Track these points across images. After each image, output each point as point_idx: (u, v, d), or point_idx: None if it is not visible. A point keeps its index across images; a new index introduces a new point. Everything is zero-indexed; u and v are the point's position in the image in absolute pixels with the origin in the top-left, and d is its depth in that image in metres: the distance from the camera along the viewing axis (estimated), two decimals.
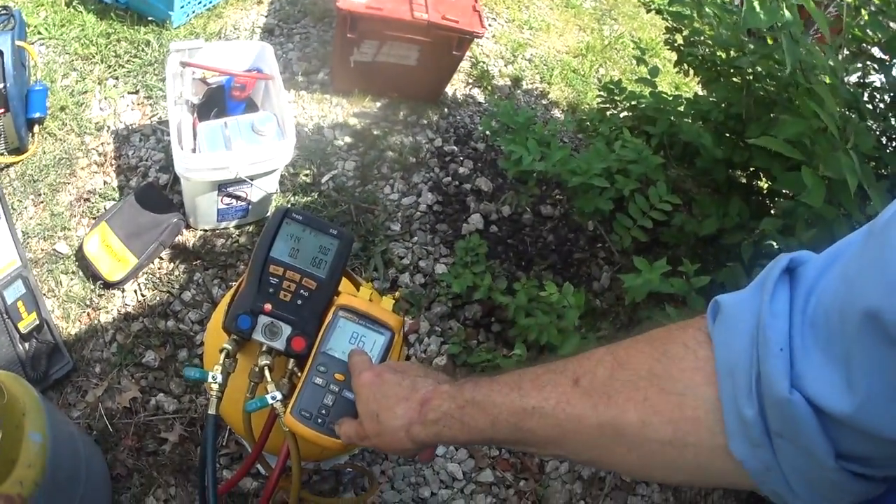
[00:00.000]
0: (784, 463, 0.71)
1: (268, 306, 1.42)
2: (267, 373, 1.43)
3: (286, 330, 1.43)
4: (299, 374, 1.39)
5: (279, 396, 1.39)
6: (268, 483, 1.49)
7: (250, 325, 1.42)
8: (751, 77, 2.48)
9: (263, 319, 1.43)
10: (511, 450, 0.89)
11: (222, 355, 1.44)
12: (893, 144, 2.35)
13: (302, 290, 1.44)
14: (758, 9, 1.72)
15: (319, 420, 1.32)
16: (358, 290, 1.51)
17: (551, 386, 0.89)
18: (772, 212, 2.47)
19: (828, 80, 1.88)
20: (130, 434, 2.27)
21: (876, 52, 2.32)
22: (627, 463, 0.85)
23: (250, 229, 2.80)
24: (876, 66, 2.34)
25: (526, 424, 0.91)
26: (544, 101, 3.80)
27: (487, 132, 3.17)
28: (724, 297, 0.80)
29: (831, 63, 1.93)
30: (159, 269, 2.64)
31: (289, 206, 2.15)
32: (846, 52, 2.27)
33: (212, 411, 1.41)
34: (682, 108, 2.81)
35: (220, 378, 1.41)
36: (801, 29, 1.90)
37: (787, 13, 1.83)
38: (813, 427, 0.66)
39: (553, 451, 0.92)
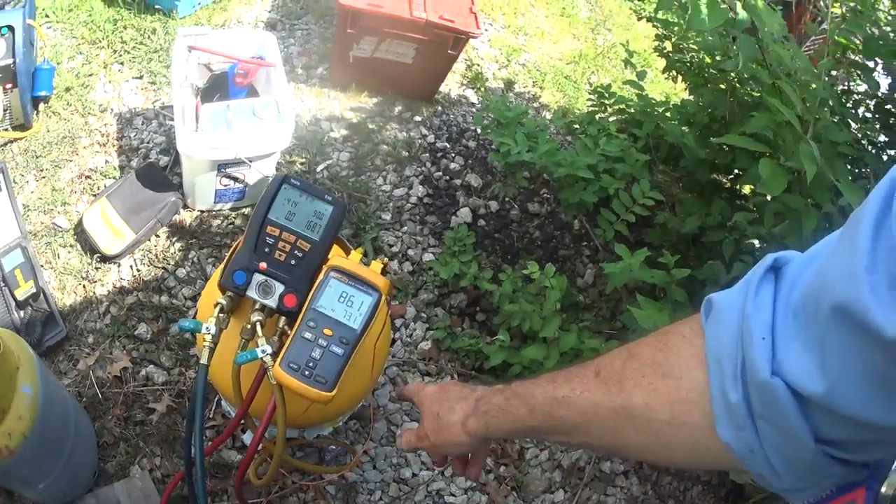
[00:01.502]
0: (766, 444, 0.76)
1: (263, 265, 1.50)
2: (258, 328, 1.50)
3: (279, 288, 1.51)
4: (289, 332, 1.46)
5: (269, 350, 1.46)
6: (252, 441, 1.55)
7: (245, 280, 1.50)
8: (735, 80, 2.56)
9: (258, 277, 1.51)
10: (549, 441, 0.96)
11: (216, 309, 1.51)
12: (878, 146, 2.43)
13: (296, 251, 1.52)
14: (704, 12, 1.78)
15: (307, 372, 1.40)
16: (348, 255, 1.58)
17: (578, 378, 0.99)
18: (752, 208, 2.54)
19: (790, 77, 1.95)
20: (119, 403, 2.32)
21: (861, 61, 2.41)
22: (638, 445, 0.93)
23: (246, 212, 2.87)
24: (859, 71, 2.43)
25: (557, 412, 1.01)
26: (536, 105, 3.88)
27: (479, 128, 3.25)
28: (716, 295, 0.86)
29: (798, 62, 2.00)
30: (155, 246, 2.70)
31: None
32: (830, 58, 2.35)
33: (204, 361, 1.48)
34: (668, 113, 2.89)
35: (213, 329, 1.49)
36: (773, 30, 1.97)
37: (742, 13, 1.90)
38: (792, 409, 0.72)
39: (580, 437, 1.00)
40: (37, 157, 2.82)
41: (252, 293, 1.51)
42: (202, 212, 2.84)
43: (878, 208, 0.64)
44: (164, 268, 2.66)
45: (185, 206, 2.81)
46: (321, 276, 1.47)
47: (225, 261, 1.63)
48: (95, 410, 2.30)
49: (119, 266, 2.63)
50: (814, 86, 1.98)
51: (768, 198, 2.24)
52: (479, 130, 3.41)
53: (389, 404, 2.57)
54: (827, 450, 0.73)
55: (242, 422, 1.63)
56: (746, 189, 2.87)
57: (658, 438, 0.89)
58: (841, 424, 0.70)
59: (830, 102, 2.17)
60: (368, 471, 2.43)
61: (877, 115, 2.48)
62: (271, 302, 1.51)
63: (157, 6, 3.46)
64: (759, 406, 0.76)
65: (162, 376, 2.41)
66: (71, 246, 2.63)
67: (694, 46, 2.89)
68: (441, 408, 1.20)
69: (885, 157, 2.35)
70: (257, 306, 1.53)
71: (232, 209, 2.86)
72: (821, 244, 0.78)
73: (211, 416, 2.37)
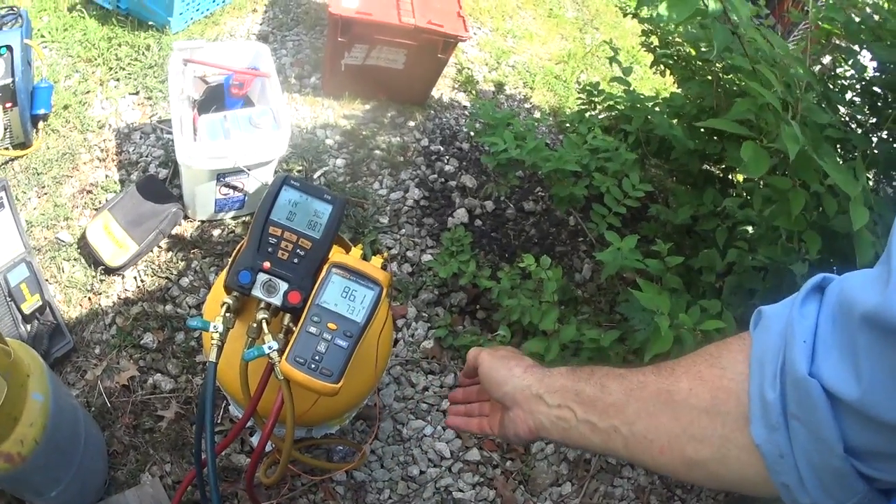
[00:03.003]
0: (797, 447, 0.78)
1: (267, 264, 1.54)
2: (265, 325, 1.54)
3: (283, 286, 1.55)
4: (294, 328, 1.50)
5: (275, 346, 1.51)
6: (261, 437, 1.59)
7: (250, 279, 1.54)
8: (719, 70, 2.59)
9: (262, 277, 1.55)
10: (571, 435, 0.97)
11: (223, 309, 1.56)
12: (866, 129, 2.46)
13: (298, 250, 1.56)
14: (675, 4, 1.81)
15: (313, 366, 1.44)
16: (348, 252, 1.63)
17: (642, 369, 1.03)
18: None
19: (768, 61, 1.98)
20: (128, 412, 2.35)
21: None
22: (666, 432, 0.94)
23: (246, 220, 2.90)
24: (844, 55, 2.46)
25: (608, 382, 1.04)
26: (527, 105, 3.92)
27: (471, 132, 3.29)
28: (765, 307, 0.89)
29: (776, 46, 2.04)
30: (158, 256, 2.74)
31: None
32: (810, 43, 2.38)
33: (212, 359, 1.53)
34: (657, 107, 2.93)
35: (220, 328, 1.53)
36: (746, 14, 2.00)
37: (711, 2, 1.93)
38: (825, 409, 0.73)
39: (614, 418, 1.01)
40: (38, 174, 2.85)
41: (257, 292, 1.55)
42: (203, 222, 2.87)
43: None
44: (167, 278, 2.69)
45: (186, 217, 2.85)
46: (323, 273, 1.51)
47: (229, 262, 1.67)
48: (104, 420, 2.33)
49: (123, 277, 2.66)
50: (793, 70, 2.01)
51: (761, 185, 2.28)
52: (471, 134, 3.44)
53: (395, 403, 2.60)
54: (853, 462, 0.74)
55: (251, 423, 1.66)
56: (738, 178, 2.91)
57: (690, 427, 0.91)
58: (871, 431, 0.72)
59: (815, 86, 2.20)
60: (376, 470, 2.46)
61: (864, 98, 2.51)
62: (276, 300, 1.55)
63: (150, 22, 3.50)
64: (793, 405, 0.78)
65: (169, 384, 2.44)
66: (75, 259, 2.66)
67: (679, 40, 2.93)
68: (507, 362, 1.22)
69: (874, 140, 2.38)
70: (262, 305, 1.57)
71: (233, 218, 2.90)
72: (862, 271, 0.79)
73: (219, 421, 2.39)
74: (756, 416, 0.83)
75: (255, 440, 2.32)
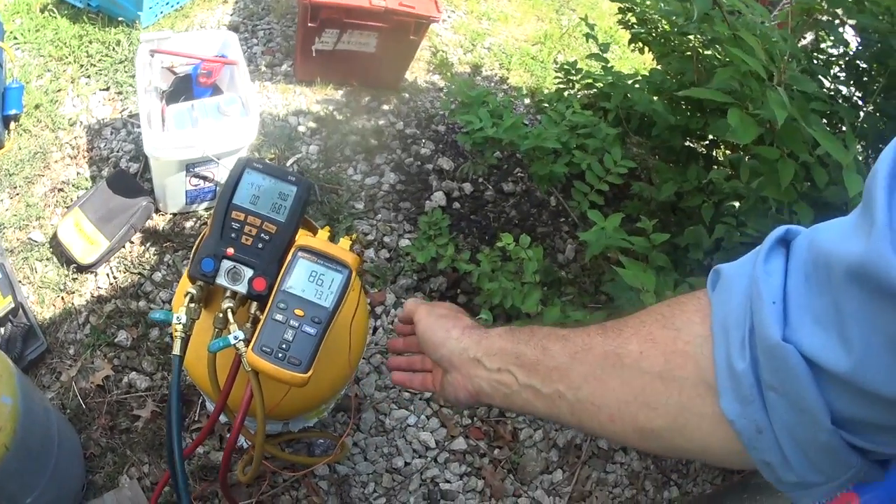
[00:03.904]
0: (776, 421, 0.70)
1: (230, 250, 1.48)
2: (230, 315, 1.49)
3: (248, 273, 1.49)
4: (261, 316, 1.44)
5: (241, 336, 1.44)
6: (232, 432, 1.53)
7: (213, 267, 1.48)
8: (699, 45, 2.55)
9: (226, 264, 1.49)
10: (516, 401, 0.91)
11: (186, 299, 1.50)
12: (852, 103, 2.42)
13: (262, 234, 1.50)
14: None
15: (280, 355, 1.38)
16: (315, 234, 1.57)
17: (587, 329, 0.95)
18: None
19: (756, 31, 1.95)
20: (103, 413, 2.31)
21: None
22: (616, 400, 0.86)
23: None
24: (826, 30, 2.43)
25: (550, 344, 0.97)
26: (504, 87, 3.88)
27: (446, 112, 3.24)
28: (723, 265, 0.82)
29: (760, 18, 2.00)
30: (130, 252, 2.70)
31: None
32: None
33: (176, 352, 1.47)
34: (637, 84, 2.88)
35: (184, 318, 1.47)
36: None
37: None
38: (806, 377, 0.66)
39: (558, 383, 0.93)
40: (10, 175, 2.82)
41: (221, 280, 1.49)
42: (175, 214, 2.83)
43: (890, 166, 0.60)
44: (140, 273, 2.65)
45: (158, 211, 2.81)
46: (289, 257, 1.45)
47: (193, 250, 1.62)
48: (80, 422, 2.29)
49: (96, 275, 2.63)
50: (776, 39, 1.97)
51: (747, 159, 2.24)
52: (446, 115, 3.40)
53: (376, 393, 2.55)
54: (843, 434, 0.66)
55: (225, 418, 1.62)
56: (723, 153, 2.87)
57: (642, 393, 0.84)
58: (864, 404, 0.64)
59: (798, 57, 2.16)
60: (360, 463, 2.42)
61: (849, 73, 2.47)
62: (241, 287, 1.49)
63: (120, 18, 3.46)
64: (768, 374, 0.70)
65: (144, 382, 2.40)
66: (48, 259, 2.62)
67: (656, 16, 2.89)
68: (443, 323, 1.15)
69: (861, 113, 2.34)
70: (228, 293, 1.51)
71: (205, 210, 2.86)
72: (835, 220, 0.71)
73: (197, 418, 2.36)
74: (725, 389, 0.74)
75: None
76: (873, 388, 0.61)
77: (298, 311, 1.41)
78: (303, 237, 1.51)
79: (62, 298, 2.55)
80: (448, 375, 1.11)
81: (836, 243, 0.66)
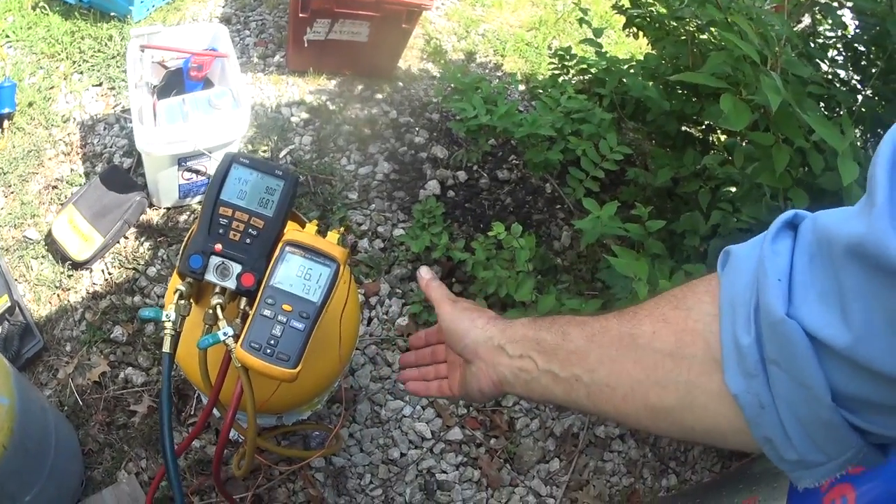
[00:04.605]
0: (778, 397, 0.71)
1: (218, 246, 1.48)
2: (219, 311, 1.49)
3: (236, 269, 1.49)
4: (250, 312, 1.43)
5: (230, 332, 1.44)
6: (223, 428, 1.54)
7: (202, 264, 1.48)
8: (694, 29, 2.54)
9: (215, 260, 1.48)
10: (535, 391, 0.92)
11: (176, 296, 1.50)
12: (850, 87, 2.41)
13: (250, 230, 1.50)
14: None
15: (268, 350, 1.38)
16: (304, 228, 1.57)
17: (605, 314, 0.97)
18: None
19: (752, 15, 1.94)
20: (100, 409, 2.32)
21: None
22: (630, 380, 0.89)
23: None
24: (823, 13, 2.41)
25: (569, 329, 0.99)
26: (499, 73, 3.85)
27: (440, 99, 3.23)
28: (733, 246, 0.83)
29: (755, 1, 1.99)
30: (125, 248, 2.70)
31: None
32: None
33: (166, 349, 1.46)
34: (632, 69, 2.87)
35: (173, 316, 1.47)
36: None
37: None
38: (808, 353, 0.67)
39: (575, 366, 0.96)
40: (4, 174, 2.82)
41: (210, 276, 1.49)
42: (168, 209, 2.83)
43: (892, 148, 0.61)
44: (134, 268, 2.65)
45: (152, 205, 2.80)
46: (277, 252, 1.45)
47: (182, 247, 1.61)
48: (78, 418, 2.30)
49: (91, 271, 2.63)
50: (771, 23, 1.96)
51: (742, 144, 2.23)
52: (440, 102, 3.38)
53: (371, 384, 2.55)
54: (844, 413, 0.67)
55: (217, 413, 1.62)
56: (719, 138, 2.86)
57: (653, 372, 0.86)
58: (863, 380, 0.65)
59: (795, 41, 2.15)
60: (356, 454, 2.42)
61: (847, 56, 2.45)
62: (230, 283, 1.49)
63: (112, 13, 3.45)
64: (772, 349, 0.71)
65: (141, 377, 2.41)
66: (43, 257, 2.63)
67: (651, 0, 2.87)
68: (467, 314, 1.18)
69: (859, 98, 2.32)
70: (217, 290, 1.51)
71: (198, 203, 2.85)
72: (841, 208, 0.73)
73: (192, 412, 2.36)
74: (730, 364, 0.76)
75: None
76: (872, 364, 0.62)
77: (286, 307, 1.40)
78: (291, 231, 1.50)
79: (58, 296, 2.55)
80: (471, 366, 1.13)
81: (840, 224, 0.67)
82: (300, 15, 3.06)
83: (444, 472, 2.44)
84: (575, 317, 1.01)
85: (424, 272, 1.33)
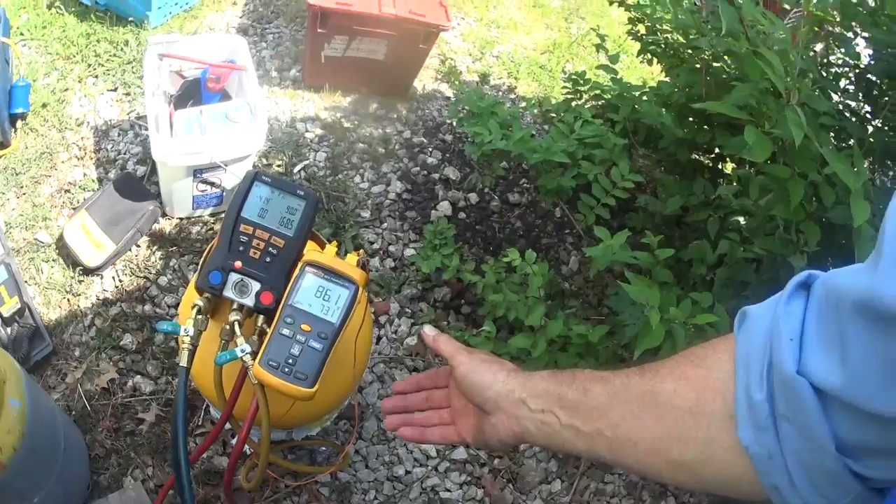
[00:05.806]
0: (786, 448, 0.76)
1: (238, 263, 1.50)
2: (237, 327, 1.50)
3: (255, 286, 1.50)
4: (268, 330, 1.45)
5: (248, 349, 1.46)
6: (236, 442, 1.55)
7: (221, 280, 1.49)
8: (710, 57, 2.55)
9: (234, 277, 1.50)
10: (555, 440, 0.94)
11: (194, 311, 1.51)
12: (861, 117, 2.42)
13: (270, 248, 1.51)
14: None
15: (286, 370, 1.39)
16: (323, 249, 1.58)
17: (625, 371, 1.01)
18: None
19: (773, 47, 1.95)
20: (108, 415, 2.32)
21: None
22: (651, 436, 0.92)
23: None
24: (837, 42, 2.42)
25: (591, 385, 1.02)
26: (512, 96, 3.87)
27: (454, 121, 3.25)
28: (750, 307, 0.87)
29: (780, 32, 2.00)
30: (136, 256, 2.70)
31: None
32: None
33: (183, 363, 1.48)
34: (645, 96, 2.88)
35: (191, 331, 1.48)
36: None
37: None
38: (814, 407, 0.71)
39: (598, 422, 0.99)
40: (16, 175, 2.82)
41: (229, 293, 1.50)
42: (181, 219, 2.83)
43: None
44: (146, 277, 2.66)
45: (164, 215, 2.81)
46: (297, 272, 1.47)
47: (200, 262, 1.62)
48: (85, 423, 2.30)
49: (102, 278, 2.63)
50: (792, 56, 1.97)
51: (756, 175, 2.23)
52: (454, 123, 3.40)
53: (378, 402, 2.56)
54: (847, 462, 0.72)
55: (229, 425, 1.63)
56: (728, 168, 2.87)
57: (674, 428, 0.90)
58: (859, 424, 0.70)
59: (811, 74, 2.17)
60: (361, 470, 2.42)
61: (859, 86, 2.47)
62: (248, 301, 1.50)
63: (129, 18, 3.45)
64: (782, 405, 0.76)
65: (149, 386, 2.41)
66: (53, 260, 2.63)
67: (668, 28, 2.88)
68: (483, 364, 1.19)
69: (869, 128, 2.34)
70: (235, 306, 1.52)
71: (211, 215, 2.86)
72: (851, 266, 0.77)
73: (200, 423, 2.37)
74: (743, 418, 0.81)
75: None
76: (867, 404, 0.67)
77: (305, 326, 1.42)
78: (310, 252, 1.52)
79: (68, 300, 2.56)
80: (491, 418, 1.14)
81: (848, 280, 0.72)
82: (318, 30, 3.09)
83: (448, 490, 2.45)
84: (595, 372, 1.04)
85: (429, 330, 1.32)
